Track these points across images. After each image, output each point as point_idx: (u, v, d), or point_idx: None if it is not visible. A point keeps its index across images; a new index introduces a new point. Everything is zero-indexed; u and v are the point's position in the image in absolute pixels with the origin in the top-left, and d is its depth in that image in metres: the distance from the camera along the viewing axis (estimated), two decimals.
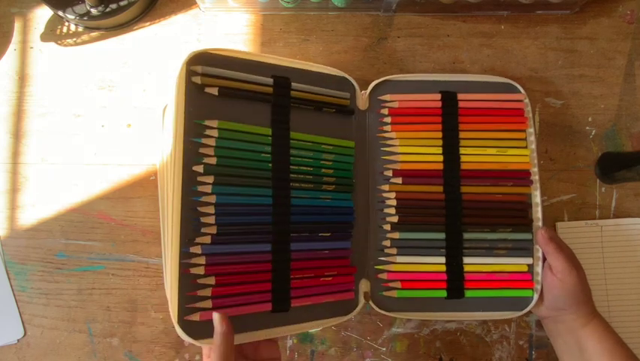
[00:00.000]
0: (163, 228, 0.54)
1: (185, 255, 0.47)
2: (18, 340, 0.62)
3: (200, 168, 0.49)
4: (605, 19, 0.67)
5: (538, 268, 0.57)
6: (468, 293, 0.57)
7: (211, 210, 0.49)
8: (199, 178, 0.49)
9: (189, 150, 0.49)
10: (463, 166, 0.58)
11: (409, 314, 0.57)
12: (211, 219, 0.49)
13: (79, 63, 0.65)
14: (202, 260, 0.48)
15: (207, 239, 0.48)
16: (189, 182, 0.48)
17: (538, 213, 0.58)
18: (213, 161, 0.49)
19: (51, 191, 0.63)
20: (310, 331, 0.63)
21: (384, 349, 0.63)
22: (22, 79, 0.65)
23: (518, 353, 0.63)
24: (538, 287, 0.57)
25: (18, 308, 0.62)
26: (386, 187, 0.58)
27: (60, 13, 0.63)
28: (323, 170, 0.56)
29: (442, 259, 0.57)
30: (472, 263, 0.57)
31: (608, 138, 0.66)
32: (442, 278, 0.57)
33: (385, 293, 0.56)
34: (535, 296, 0.57)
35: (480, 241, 0.58)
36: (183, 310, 0.46)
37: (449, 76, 0.61)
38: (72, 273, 0.62)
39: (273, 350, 0.51)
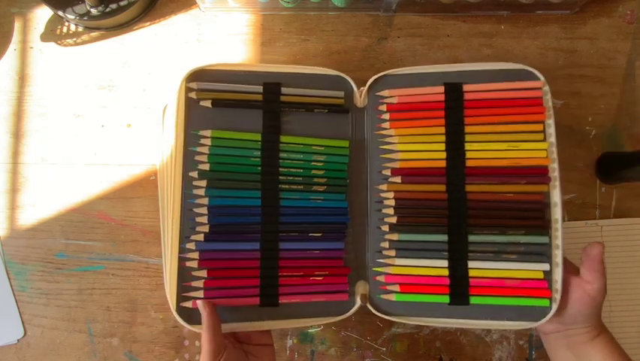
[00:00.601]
0: (163, 225, 0.56)
1: (182, 250, 0.53)
2: (18, 340, 0.62)
3: (195, 174, 0.54)
4: (605, 19, 0.67)
5: (557, 276, 0.52)
6: (474, 300, 0.53)
7: (204, 211, 0.53)
8: (194, 183, 0.54)
9: (187, 158, 0.54)
10: (469, 163, 0.54)
11: (410, 319, 0.54)
12: (204, 219, 0.53)
13: (79, 63, 0.65)
14: (196, 255, 0.53)
15: (201, 237, 0.53)
16: (186, 186, 0.54)
17: (557, 214, 0.52)
18: (207, 167, 0.54)
19: (51, 191, 0.63)
20: (310, 331, 0.63)
21: (384, 349, 0.63)
22: (22, 79, 0.65)
23: (518, 353, 0.63)
24: (557, 297, 0.51)
25: (18, 308, 0.62)
26: (384, 187, 0.55)
27: (60, 13, 0.63)
28: (313, 171, 0.56)
29: (445, 263, 0.53)
30: (478, 268, 0.53)
31: (608, 138, 0.65)
32: (444, 283, 0.53)
33: (383, 296, 0.54)
34: (554, 307, 0.51)
35: (487, 244, 0.53)
36: (180, 298, 0.52)
37: (454, 66, 0.56)
38: (72, 273, 0.63)
39: (265, 338, 0.55)
